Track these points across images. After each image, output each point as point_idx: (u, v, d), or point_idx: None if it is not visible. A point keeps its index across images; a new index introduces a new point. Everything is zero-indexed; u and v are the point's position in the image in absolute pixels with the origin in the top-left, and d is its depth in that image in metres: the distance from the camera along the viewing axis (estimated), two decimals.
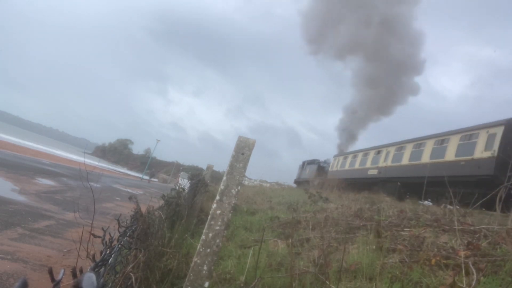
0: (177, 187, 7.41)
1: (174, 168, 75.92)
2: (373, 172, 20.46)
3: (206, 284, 2.44)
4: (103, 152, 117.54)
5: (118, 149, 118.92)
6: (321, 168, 29.76)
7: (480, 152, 13.12)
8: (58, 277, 1.05)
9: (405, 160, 17.65)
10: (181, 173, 48.79)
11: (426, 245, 4.07)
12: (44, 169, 17.49)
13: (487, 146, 12.89)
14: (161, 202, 5.97)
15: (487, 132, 13.26)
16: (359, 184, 20.34)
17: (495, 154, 12.30)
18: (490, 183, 11.27)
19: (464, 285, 2.89)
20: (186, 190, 8.04)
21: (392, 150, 19.32)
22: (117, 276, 2.38)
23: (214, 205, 2.57)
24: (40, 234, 5.76)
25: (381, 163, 19.88)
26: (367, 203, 9.60)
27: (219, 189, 2.63)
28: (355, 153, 24.90)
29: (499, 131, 12.78)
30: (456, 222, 4.69)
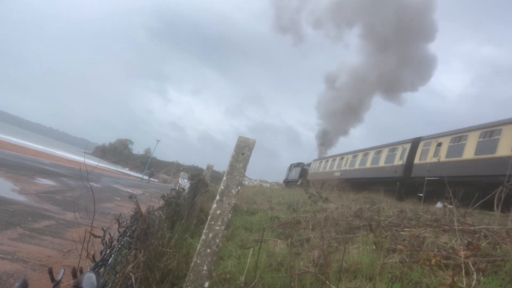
0: (177, 187, 7.41)
1: (174, 168, 75.94)
2: (337, 174, 25.82)
3: (206, 284, 2.44)
4: (103, 152, 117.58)
5: (118, 149, 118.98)
6: (304, 170, 33.78)
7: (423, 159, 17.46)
8: (58, 277, 1.05)
9: (356, 165, 23.67)
10: (181, 173, 48.80)
11: (426, 245, 4.07)
12: (44, 169, 17.50)
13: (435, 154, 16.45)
14: (161, 202, 5.96)
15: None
16: (328, 183, 24.39)
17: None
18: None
19: (464, 285, 2.90)
20: (186, 190, 8.04)
21: (350, 157, 25.10)
22: (117, 276, 2.38)
23: (214, 205, 2.58)
24: (40, 234, 5.76)
25: (343, 167, 25.42)
26: (367, 203, 9.60)
27: (219, 189, 2.63)
28: (327, 159, 30.43)
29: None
30: (456, 222, 4.70)
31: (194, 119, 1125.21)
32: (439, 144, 15.62)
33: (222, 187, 2.62)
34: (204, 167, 10.92)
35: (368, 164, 22.08)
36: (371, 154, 22.11)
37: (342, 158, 26.47)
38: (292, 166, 37.00)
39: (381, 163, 20.51)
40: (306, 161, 35.41)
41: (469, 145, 13.60)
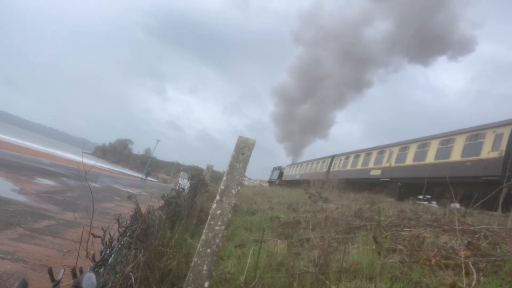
0: (177, 187, 7.40)
1: (174, 168, 75.93)
2: (297, 177, 34.69)
3: (206, 284, 2.44)
4: (103, 152, 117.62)
5: (118, 149, 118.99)
6: (281, 172, 42.38)
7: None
8: (58, 277, 1.05)
9: (310, 170, 32.14)
10: (181, 173, 48.77)
11: (426, 245, 4.07)
12: (44, 169, 17.49)
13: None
14: (161, 202, 5.97)
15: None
16: (295, 183, 31.18)
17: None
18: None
19: (464, 285, 2.90)
20: (186, 190, 8.04)
21: (305, 164, 35.40)
22: (117, 276, 2.38)
23: (214, 205, 2.58)
24: (40, 234, 5.76)
25: (301, 172, 34.91)
26: (367, 203, 9.60)
27: (219, 189, 2.64)
28: (293, 165, 40.39)
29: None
30: (456, 222, 4.69)
31: (193, 118, 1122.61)
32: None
33: (222, 187, 2.62)
34: (204, 167, 10.92)
35: (312, 170, 31.97)
36: (315, 163, 32.24)
37: (301, 165, 36.76)
38: (274, 169, 45.17)
39: (316, 169, 30.96)
40: (276, 166, 44.84)
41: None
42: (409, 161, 17.17)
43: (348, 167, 24.02)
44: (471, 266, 3.21)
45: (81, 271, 1.75)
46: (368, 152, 21.99)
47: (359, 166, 22.56)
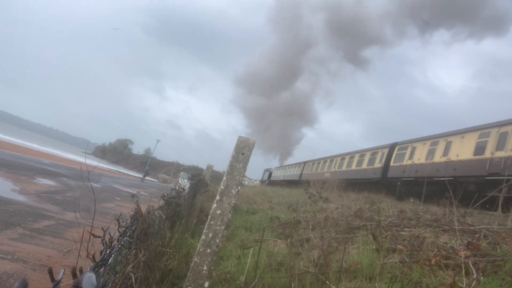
0: (177, 187, 7.40)
1: (174, 168, 75.90)
2: (281, 178, 42.03)
3: (206, 284, 2.45)
4: (103, 152, 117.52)
5: (118, 149, 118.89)
6: (270, 173, 49.62)
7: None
8: (58, 277, 1.05)
9: (291, 173, 39.44)
10: (181, 173, 48.74)
11: (426, 245, 4.07)
12: (44, 169, 17.50)
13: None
14: (161, 202, 5.97)
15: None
16: (279, 183, 37.14)
17: None
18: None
19: (464, 285, 2.89)
20: (186, 190, 8.04)
21: (287, 167, 43.81)
22: (117, 276, 2.38)
23: (214, 205, 2.58)
24: (40, 234, 5.76)
25: (284, 173, 42.75)
26: (367, 203, 9.60)
27: (219, 189, 2.64)
28: (280, 167, 48.70)
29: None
30: (456, 222, 4.69)
31: (192, 118, 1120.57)
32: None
33: (222, 187, 2.62)
34: (204, 167, 10.92)
35: (289, 173, 40.10)
36: (293, 167, 40.03)
37: (284, 168, 44.98)
38: (265, 170, 52.47)
39: (293, 172, 38.32)
40: (266, 167, 52.14)
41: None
42: (345, 167, 26.12)
43: (313, 171, 32.40)
44: (471, 266, 3.21)
45: (81, 271, 1.75)
46: (324, 160, 31.06)
47: (318, 170, 31.24)
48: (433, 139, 17.21)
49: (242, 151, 2.68)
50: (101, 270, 2.14)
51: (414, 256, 3.78)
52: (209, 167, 9.43)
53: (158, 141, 56.18)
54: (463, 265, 3.22)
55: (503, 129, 13.01)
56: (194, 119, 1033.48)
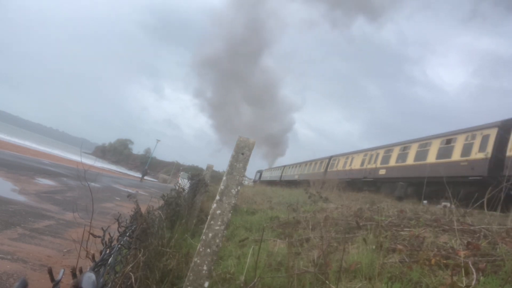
0: (177, 187, 7.40)
1: (174, 168, 75.88)
2: (267, 179, 49.16)
3: (206, 284, 2.45)
4: (103, 152, 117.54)
5: (118, 149, 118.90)
6: (261, 175, 56.82)
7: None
8: (58, 277, 1.05)
9: (275, 174, 47.25)
10: (181, 173, 48.73)
11: (426, 245, 4.07)
12: (44, 169, 17.50)
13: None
14: (161, 202, 5.96)
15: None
16: (266, 183, 42.10)
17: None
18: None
19: (464, 285, 2.90)
20: (186, 190, 8.04)
21: (273, 169, 51.35)
22: (117, 276, 2.38)
23: (214, 205, 2.58)
24: (40, 234, 5.76)
25: (271, 175, 50.21)
26: (367, 203, 9.61)
27: (219, 189, 2.63)
28: (269, 169, 55.89)
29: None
30: (455, 222, 4.70)
31: (190, 117, 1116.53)
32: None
33: (222, 187, 2.62)
34: (204, 167, 10.92)
35: (274, 174, 48.79)
36: (277, 169, 48.92)
37: (271, 170, 53.24)
38: (257, 172, 60.25)
39: (277, 173, 47.23)
40: (258, 169, 59.82)
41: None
42: (309, 170, 33.36)
43: (288, 173, 41.56)
44: (470, 266, 3.21)
45: (81, 271, 1.75)
46: (297, 164, 39.32)
47: (292, 173, 40.04)
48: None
49: (242, 151, 2.68)
50: (101, 270, 2.14)
51: (414, 256, 3.79)
52: (209, 167, 9.43)
53: (158, 141, 56.22)
54: (462, 265, 3.22)
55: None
56: (192, 118, 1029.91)
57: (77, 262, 2.36)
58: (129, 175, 54.23)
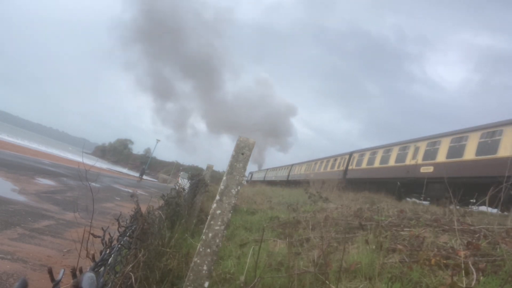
0: (177, 187, 7.40)
1: (174, 168, 75.89)
2: (255, 178, 57.46)
3: (206, 284, 2.45)
4: (103, 152, 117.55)
5: (118, 149, 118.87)
6: (252, 175, 63.29)
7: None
8: (58, 277, 1.05)
9: (262, 175, 56.88)
10: (181, 173, 48.71)
11: (426, 245, 4.07)
12: (44, 169, 17.50)
13: None
14: (161, 202, 5.96)
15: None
16: (262, 182, 44.32)
17: None
18: None
19: (464, 285, 2.90)
20: (186, 190, 8.04)
21: (263, 171, 59.77)
22: (117, 276, 2.38)
23: (214, 205, 2.58)
24: (40, 234, 5.76)
25: (259, 175, 57.47)
26: (367, 203, 9.61)
27: (219, 189, 2.63)
28: (259, 171, 62.98)
29: None
30: (456, 222, 4.70)
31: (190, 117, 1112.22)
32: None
33: (222, 187, 2.62)
34: (204, 167, 10.92)
35: (260, 175, 56.75)
36: (262, 171, 56.52)
37: (259, 172, 60.52)
38: (249, 173, 65.84)
39: (263, 174, 55.39)
40: (251, 170, 65.59)
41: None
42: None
43: (271, 175, 48.38)
44: (471, 266, 3.21)
45: (81, 271, 1.75)
46: (275, 168, 47.86)
47: (277, 174, 45.70)
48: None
49: (242, 151, 2.68)
50: (101, 270, 2.14)
51: (414, 256, 3.79)
52: (209, 167, 9.43)
53: (158, 140, 56.17)
54: (463, 265, 3.22)
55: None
56: (193, 118, 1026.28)
57: (77, 262, 2.36)
58: (129, 175, 54.24)
